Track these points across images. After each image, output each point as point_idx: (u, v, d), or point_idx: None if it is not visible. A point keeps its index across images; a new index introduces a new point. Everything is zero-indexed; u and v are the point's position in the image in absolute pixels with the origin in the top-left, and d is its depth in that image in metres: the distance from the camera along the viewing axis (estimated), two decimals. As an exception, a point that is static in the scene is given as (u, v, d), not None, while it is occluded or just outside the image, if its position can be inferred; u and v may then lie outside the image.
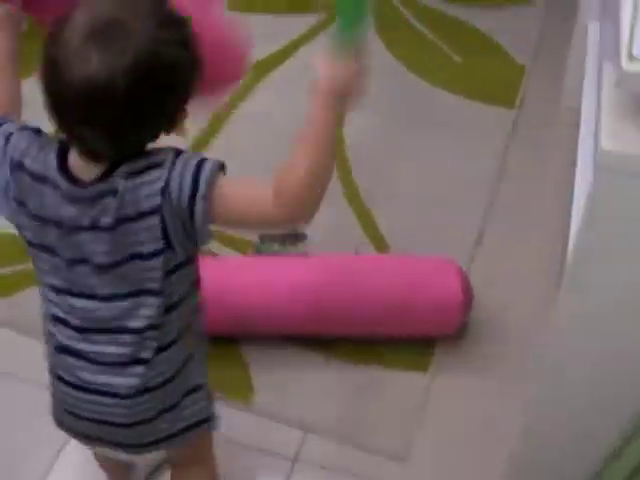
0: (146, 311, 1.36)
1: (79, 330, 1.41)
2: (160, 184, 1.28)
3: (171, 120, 1.32)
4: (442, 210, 2.52)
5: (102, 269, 1.35)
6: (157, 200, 1.28)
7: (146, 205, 1.28)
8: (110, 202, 1.29)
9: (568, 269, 1.43)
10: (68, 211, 1.32)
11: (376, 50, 3.05)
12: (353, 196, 2.55)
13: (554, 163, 2.61)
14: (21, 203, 1.35)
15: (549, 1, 3.24)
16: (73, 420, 1.49)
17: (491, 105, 2.84)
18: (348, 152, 2.67)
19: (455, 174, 2.63)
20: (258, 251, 2.32)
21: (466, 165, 2.65)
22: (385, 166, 2.65)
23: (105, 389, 1.42)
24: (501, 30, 3.12)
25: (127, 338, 1.38)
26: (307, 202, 1.32)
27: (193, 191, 1.27)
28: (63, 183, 1.32)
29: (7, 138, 1.36)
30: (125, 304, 1.37)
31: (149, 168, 1.29)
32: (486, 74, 2.97)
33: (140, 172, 1.29)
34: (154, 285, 1.34)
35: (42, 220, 1.35)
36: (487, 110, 2.82)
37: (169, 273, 1.35)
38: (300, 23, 3.19)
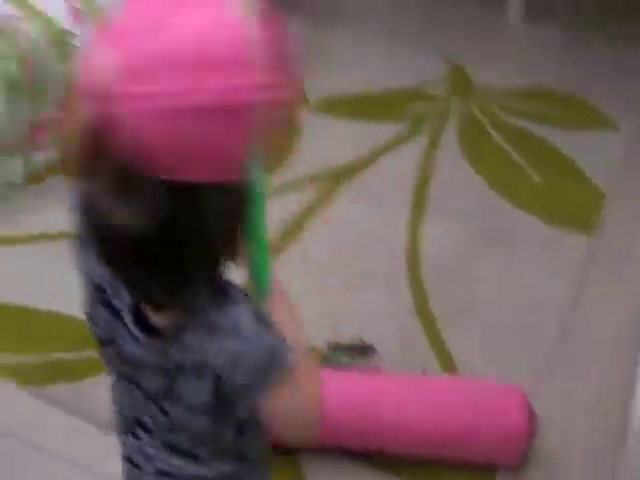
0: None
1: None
2: (228, 356, 1.22)
3: (225, 252, 1.22)
4: (512, 333, 2.49)
5: (150, 398, 1.33)
6: (220, 367, 1.23)
7: (207, 364, 1.24)
8: (174, 353, 1.25)
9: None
10: (132, 347, 1.29)
11: (458, 164, 3.07)
12: (423, 309, 2.53)
13: (630, 297, 2.57)
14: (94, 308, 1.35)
15: (634, 128, 3.24)
16: None
17: (569, 229, 2.82)
18: (422, 261, 2.67)
19: (528, 297, 2.60)
20: (325, 361, 2.30)
21: (540, 289, 2.62)
22: (457, 281, 2.64)
23: None
24: (584, 154, 3.12)
25: None
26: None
27: (252, 382, 1.24)
28: (134, 327, 1.27)
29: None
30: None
31: (225, 332, 1.23)
32: (566, 197, 2.96)
33: (214, 331, 1.23)
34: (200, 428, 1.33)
35: (107, 338, 1.33)
36: (565, 234, 2.81)
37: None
38: (384, 131, 3.24)
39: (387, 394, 2.14)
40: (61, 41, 2.87)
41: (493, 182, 3.01)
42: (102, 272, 1.24)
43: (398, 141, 3.19)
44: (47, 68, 2.83)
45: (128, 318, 1.27)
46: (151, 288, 1.20)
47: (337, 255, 2.69)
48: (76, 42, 2.89)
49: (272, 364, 1.22)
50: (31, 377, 2.33)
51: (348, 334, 2.40)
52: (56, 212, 2.81)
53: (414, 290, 2.58)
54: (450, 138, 3.21)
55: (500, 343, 2.46)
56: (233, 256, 1.22)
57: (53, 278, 2.58)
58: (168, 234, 1.11)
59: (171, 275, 1.17)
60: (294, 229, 2.78)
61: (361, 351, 2.36)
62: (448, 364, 2.38)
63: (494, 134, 3.23)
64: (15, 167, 2.90)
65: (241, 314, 1.23)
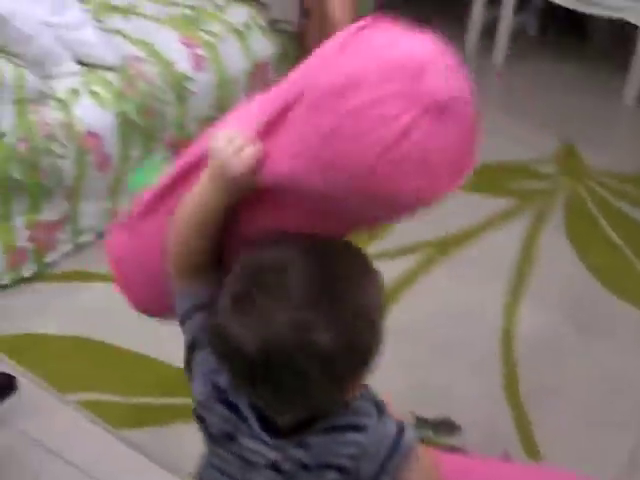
0: None
1: None
2: (354, 449, 1.24)
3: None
4: (600, 423, 2.41)
5: None
6: (346, 462, 1.24)
7: (332, 461, 1.25)
8: (297, 452, 1.26)
9: None
10: (256, 446, 1.29)
11: (562, 246, 3.01)
12: (512, 390, 2.47)
13: None
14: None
15: None
16: None
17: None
18: (516, 343, 2.61)
19: (621, 390, 2.52)
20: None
21: (637, 385, 2.54)
22: (550, 366, 2.57)
23: None
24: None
25: None
26: None
27: (381, 469, 1.25)
28: (255, 424, 1.28)
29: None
30: None
31: (349, 429, 1.25)
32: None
33: (338, 429, 1.25)
34: None
35: (225, 433, 1.33)
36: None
37: None
38: (492, 205, 3.20)
39: (469, 476, 2.07)
40: (180, 85, 2.91)
41: (597, 269, 2.94)
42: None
43: (504, 217, 3.15)
44: (164, 111, 2.87)
45: (253, 421, 1.27)
46: (276, 404, 1.22)
47: (430, 327, 2.65)
48: (194, 88, 2.94)
49: (396, 448, 1.24)
50: (119, 418, 2.33)
51: (435, 409, 2.35)
52: None
53: (505, 370, 2.52)
54: (556, 219, 3.16)
55: (586, 431, 2.38)
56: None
57: (152, 322, 2.60)
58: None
59: (298, 397, 1.20)
60: (390, 296, 2.74)
61: (447, 428, 2.30)
62: (531, 447, 2.32)
63: (601, 219, 3.17)
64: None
65: (362, 406, 1.26)
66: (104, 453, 2.26)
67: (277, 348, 1.12)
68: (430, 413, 2.33)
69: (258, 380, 1.17)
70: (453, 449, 2.24)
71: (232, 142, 1.23)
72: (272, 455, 1.26)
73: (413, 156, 1.14)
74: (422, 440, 2.21)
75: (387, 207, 1.21)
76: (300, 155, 1.18)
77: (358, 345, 1.17)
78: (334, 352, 1.13)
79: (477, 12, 4.20)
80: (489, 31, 4.23)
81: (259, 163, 1.22)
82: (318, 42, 3.34)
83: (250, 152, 1.22)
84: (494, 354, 2.58)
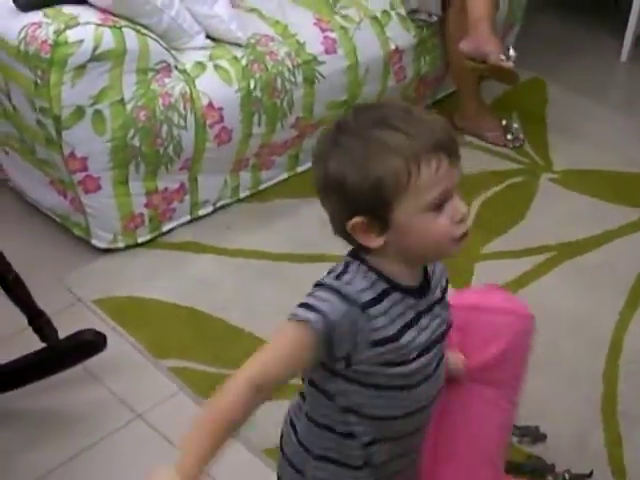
0: None
1: None
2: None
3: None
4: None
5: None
6: None
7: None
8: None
9: None
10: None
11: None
12: (609, 404, 2.36)
13: None
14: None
15: None
16: None
17: None
18: (623, 356, 2.50)
19: None
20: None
21: None
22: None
23: None
24: None
25: None
26: None
27: None
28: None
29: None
30: None
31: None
32: None
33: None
34: None
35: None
36: None
37: None
38: (620, 215, 3.08)
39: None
40: (309, 67, 2.91)
41: None
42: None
43: (630, 229, 3.01)
44: (291, 92, 2.88)
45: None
46: None
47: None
48: (323, 71, 2.93)
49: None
50: (206, 388, 2.32)
51: (527, 416, 2.27)
52: (272, 233, 2.95)
53: (605, 386, 2.41)
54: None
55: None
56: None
57: (254, 300, 2.65)
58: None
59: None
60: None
61: (532, 436, 2.22)
62: (618, 467, 2.20)
63: None
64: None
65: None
66: (187, 420, 2.28)
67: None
68: (521, 420, 2.26)
69: None
70: (530, 458, 2.16)
71: None
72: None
73: None
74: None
75: None
76: None
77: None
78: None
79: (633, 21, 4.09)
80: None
81: None
82: (457, 35, 3.32)
83: None
84: (597, 367, 2.47)
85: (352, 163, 1.30)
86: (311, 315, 1.32)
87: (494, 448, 1.69)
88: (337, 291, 1.34)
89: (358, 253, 1.39)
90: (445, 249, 1.37)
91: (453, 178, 1.33)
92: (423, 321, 1.42)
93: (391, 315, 1.37)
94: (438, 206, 1.32)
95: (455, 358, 1.68)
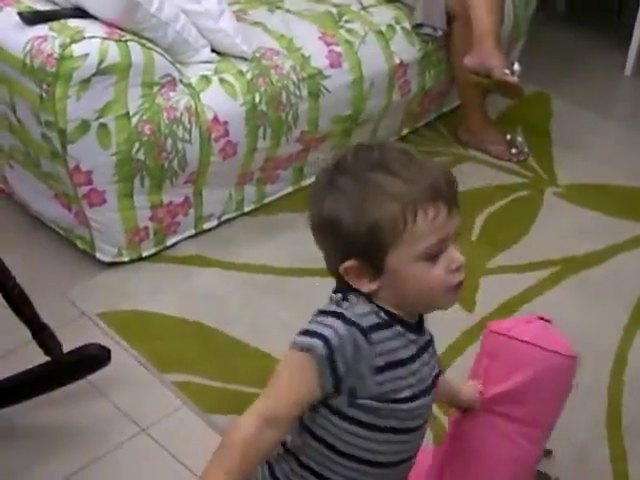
0: None
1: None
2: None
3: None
4: None
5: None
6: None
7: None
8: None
9: None
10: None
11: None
12: (614, 421, 2.35)
13: None
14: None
15: None
16: None
17: None
18: (628, 374, 2.49)
19: None
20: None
21: None
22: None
23: None
24: None
25: None
26: None
27: None
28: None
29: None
30: None
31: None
32: None
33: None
34: None
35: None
36: None
37: None
38: (625, 230, 3.08)
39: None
40: (314, 81, 2.91)
41: None
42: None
43: (635, 243, 3.01)
44: (296, 106, 2.88)
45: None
46: None
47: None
48: (328, 85, 2.93)
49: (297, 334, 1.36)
50: (211, 403, 2.35)
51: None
52: (277, 247, 2.95)
53: (611, 398, 2.40)
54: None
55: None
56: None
57: (260, 313, 2.64)
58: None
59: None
60: (504, 311, 2.67)
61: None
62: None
63: None
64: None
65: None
66: (191, 435, 2.28)
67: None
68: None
69: None
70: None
71: None
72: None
73: None
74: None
75: None
76: None
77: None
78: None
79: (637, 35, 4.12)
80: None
81: None
82: (462, 49, 3.32)
83: None
84: (601, 382, 2.46)
85: (348, 205, 1.30)
86: (314, 341, 1.30)
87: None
88: (340, 315, 1.33)
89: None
90: (440, 299, 1.36)
91: (450, 228, 1.32)
92: (425, 356, 1.42)
93: (395, 344, 1.36)
94: (433, 256, 1.31)
95: (469, 388, 1.68)
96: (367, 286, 1.34)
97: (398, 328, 1.37)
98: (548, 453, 2.23)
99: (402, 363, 1.37)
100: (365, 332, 1.32)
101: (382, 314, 1.36)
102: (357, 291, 1.36)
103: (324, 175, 1.37)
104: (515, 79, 3.07)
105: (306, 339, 1.31)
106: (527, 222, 3.11)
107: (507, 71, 3.05)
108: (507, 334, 1.71)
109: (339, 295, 1.37)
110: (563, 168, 3.41)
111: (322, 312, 1.35)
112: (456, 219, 1.33)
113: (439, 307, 1.39)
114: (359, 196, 1.30)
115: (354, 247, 1.32)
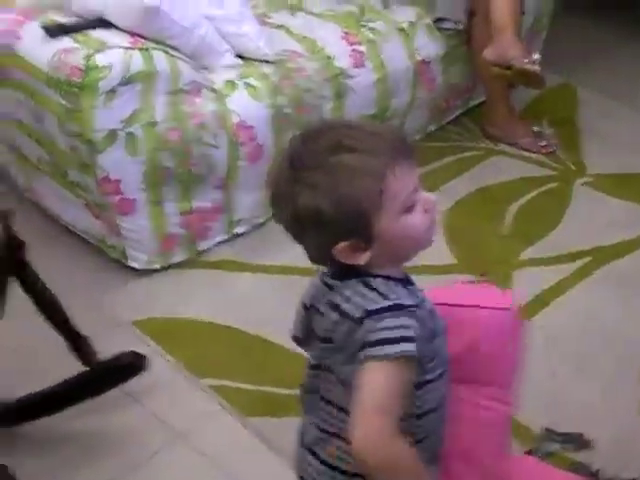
0: None
1: None
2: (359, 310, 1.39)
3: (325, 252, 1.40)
4: None
5: None
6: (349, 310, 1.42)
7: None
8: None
9: None
10: None
11: None
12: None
13: None
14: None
15: None
16: None
17: None
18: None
19: None
20: (535, 449, 2.17)
21: None
22: None
23: None
24: None
25: None
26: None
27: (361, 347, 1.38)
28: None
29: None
30: None
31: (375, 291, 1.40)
32: None
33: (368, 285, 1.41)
34: None
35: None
36: None
37: None
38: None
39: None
40: (338, 81, 2.91)
41: None
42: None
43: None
44: (321, 107, 2.88)
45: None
46: None
47: (571, 338, 2.56)
48: (352, 85, 2.94)
49: (381, 344, 1.36)
50: (247, 406, 2.36)
51: (569, 424, 2.26)
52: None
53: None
54: None
55: None
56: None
57: (292, 313, 2.62)
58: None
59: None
60: (537, 303, 2.66)
61: (576, 444, 2.20)
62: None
63: None
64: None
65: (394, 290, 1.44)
66: (229, 439, 2.29)
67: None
68: (564, 428, 2.24)
69: None
70: (574, 465, 2.14)
71: None
72: None
73: None
74: (549, 454, 2.16)
75: None
76: None
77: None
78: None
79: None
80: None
81: None
82: (483, 42, 3.31)
83: None
84: (635, 373, 2.44)
85: (325, 195, 1.33)
86: (403, 346, 1.34)
87: (480, 448, 1.65)
88: (399, 307, 1.37)
89: (353, 271, 1.42)
90: (423, 239, 1.42)
91: (415, 176, 1.39)
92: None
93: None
94: (411, 206, 1.37)
95: None
96: (362, 258, 1.38)
97: (409, 287, 1.44)
98: (588, 444, 2.23)
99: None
100: (418, 307, 1.40)
101: (398, 283, 1.42)
102: (356, 270, 1.41)
103: (282, 176, 1.38)
104: (536, 67, 3.05)
105: (396, 348, 1.34)
106: (557, 214, 3.10)
107: (527, 60, 3.03)
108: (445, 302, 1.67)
109: (365, 291, 1.40)
110: (591, 158, 3.40)
111: (378, 311, 1.37)
112: (416, 167, 1.40)
113: (422, 248, 1.44)
114: (332, 183, 1.33)
115: (341, 230, 1.36)
